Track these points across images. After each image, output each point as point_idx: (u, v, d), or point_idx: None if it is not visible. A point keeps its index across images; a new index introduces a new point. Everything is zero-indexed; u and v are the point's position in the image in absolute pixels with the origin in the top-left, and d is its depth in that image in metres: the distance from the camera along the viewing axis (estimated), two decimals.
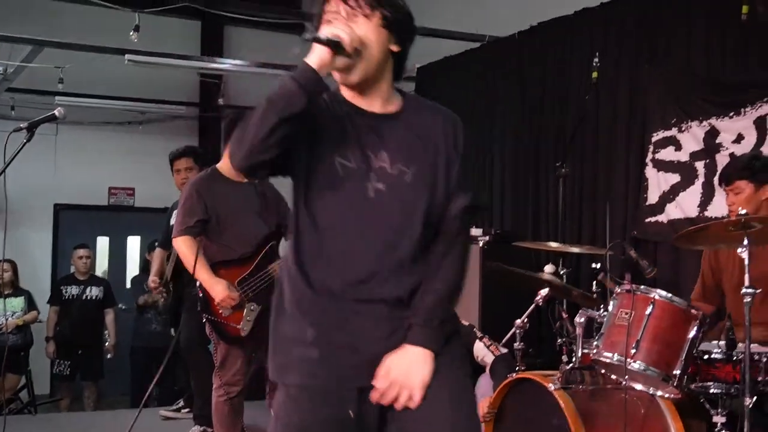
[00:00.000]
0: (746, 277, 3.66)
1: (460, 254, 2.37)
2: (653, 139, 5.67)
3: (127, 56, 7.56)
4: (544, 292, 4.50)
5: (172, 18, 9.15)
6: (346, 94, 2.35)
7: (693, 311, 3.86)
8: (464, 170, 2.37)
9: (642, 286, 3.95)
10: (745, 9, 3.87)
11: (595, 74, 5.41)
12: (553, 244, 5.15)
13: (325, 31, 2.20)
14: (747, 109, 5.10)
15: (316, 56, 2.17)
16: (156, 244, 6.47)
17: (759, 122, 5.03)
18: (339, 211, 2.28)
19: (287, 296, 2.32)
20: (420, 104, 2.45)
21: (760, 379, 3.75)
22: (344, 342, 2.25)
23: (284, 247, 4.84)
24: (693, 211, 5.33)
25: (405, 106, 2.40)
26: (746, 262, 3.66)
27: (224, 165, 4.73)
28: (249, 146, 2.16)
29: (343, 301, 2.25)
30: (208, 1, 7.62)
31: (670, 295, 3.89)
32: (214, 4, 7.83)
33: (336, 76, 2.28)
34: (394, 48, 2.33)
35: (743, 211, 3.87)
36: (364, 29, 2.25)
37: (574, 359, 4.12)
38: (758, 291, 3.69)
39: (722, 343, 3.86)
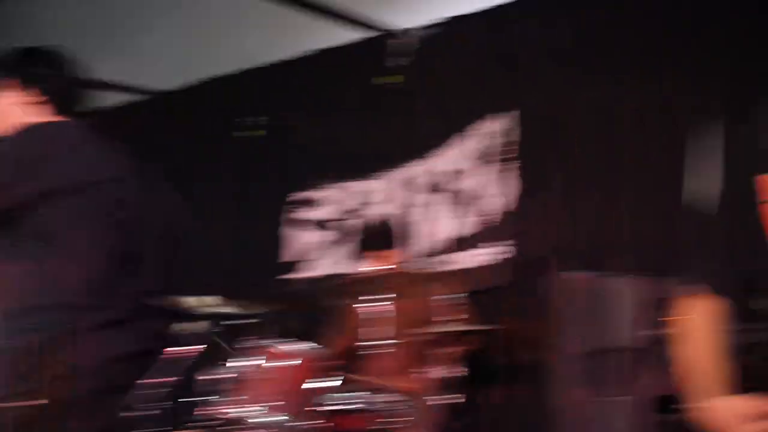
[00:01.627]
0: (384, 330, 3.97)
1: None
2: (293, 199, 5.88)
3: None
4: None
5: None
6: None
7: (324, 362, 4.01)
8: None
9: (270, 340, 3.99)
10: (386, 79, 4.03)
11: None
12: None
13: None
14: (383, 174, 5.53)
15: None
16: None
17: (394, 186, 5.45)
18: None
19: None
20: None
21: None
22: None
23: None
24: (332, 269, 5.60)
25: None
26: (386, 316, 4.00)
27: None
28: None
29: None
30: None
31: (301, 346, 3.95)
32: None
33: None
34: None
35: (374, 266, 4.34)
36: None
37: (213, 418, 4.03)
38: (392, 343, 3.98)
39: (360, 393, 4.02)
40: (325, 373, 3.98)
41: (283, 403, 3.83)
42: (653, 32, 4.77)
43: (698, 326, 2.11)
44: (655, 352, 3.89)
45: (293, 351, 3.96)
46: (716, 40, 4.46)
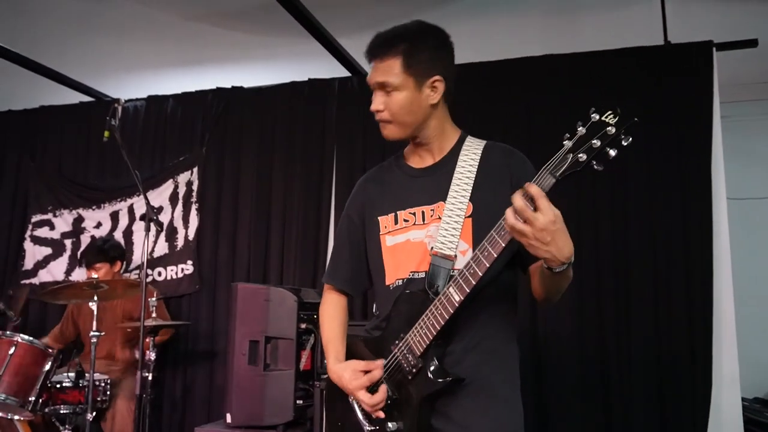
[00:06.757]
0: (94, 323, 4.45)
1: None
2: (33, 220, 6.34)
3: None
4: None
5: None
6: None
7: (49, 350, 4.36)
8: None
9: (7, 332, 4.34)
10: (106, 134, 4.54)
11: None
12: None
13: None
14: (105, 205, 6.16)
15: None
16: None
17: (113, 215, 6.14)
18: None
19: None
20: None
21: (99, 398, 4.59)
22: None
23: None
24: (60, 276, 6.15)
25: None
26: (95, 312, 4.48)
27: None
28: None
29: None
30: None
31: (30, 338, 4.32)
32: None
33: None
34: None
35: (95, 276, 4.83)
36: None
37: None
38: (102, 334, 4.50)
39: (72, 374, 4.53)
40: (47, 358, 4.31)
41: (17, 383, 4.15)
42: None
43: (326, 313, 2.37)
44: (303, 339, 4.47)
45: (26, 341, 4.25)
46: None
